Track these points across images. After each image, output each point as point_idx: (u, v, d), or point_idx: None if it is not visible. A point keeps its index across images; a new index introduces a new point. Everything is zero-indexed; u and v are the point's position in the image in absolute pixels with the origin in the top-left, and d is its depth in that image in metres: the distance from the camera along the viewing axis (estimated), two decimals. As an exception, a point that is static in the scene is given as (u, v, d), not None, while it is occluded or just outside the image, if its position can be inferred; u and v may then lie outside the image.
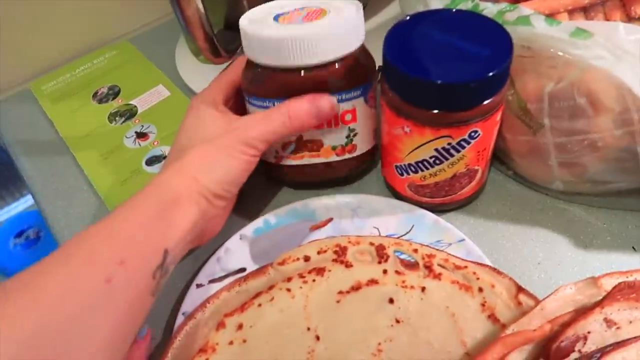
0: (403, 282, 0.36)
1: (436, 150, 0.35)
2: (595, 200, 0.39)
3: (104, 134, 0.53)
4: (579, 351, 0.27)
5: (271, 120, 0.36)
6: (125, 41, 0.64)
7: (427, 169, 0.37)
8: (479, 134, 0.34)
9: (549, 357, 0.27)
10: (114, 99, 0.56)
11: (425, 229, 0.39)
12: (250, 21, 0.37)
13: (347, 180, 0.44)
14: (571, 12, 0.39)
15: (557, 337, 0.27)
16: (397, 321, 0.34)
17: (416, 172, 0.38)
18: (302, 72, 0.36)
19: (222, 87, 0.40)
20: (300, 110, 0.36)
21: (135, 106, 0.55)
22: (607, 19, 0.38)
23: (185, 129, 0.38)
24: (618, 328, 0.28)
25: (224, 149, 0.35)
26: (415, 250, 0.37)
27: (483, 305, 0.34)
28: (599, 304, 0.28)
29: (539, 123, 0.36)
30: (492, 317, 0.33)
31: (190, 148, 0.35)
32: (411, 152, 0.36)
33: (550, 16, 0.39)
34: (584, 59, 0.32)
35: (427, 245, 0.37)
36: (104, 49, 0.63)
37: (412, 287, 0.36)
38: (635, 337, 0.26)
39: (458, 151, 0.35)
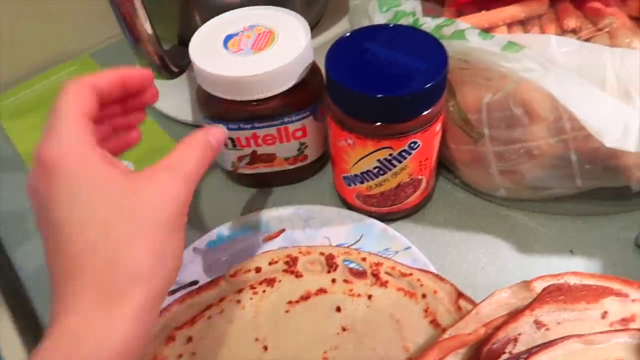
0: (350, 290, 0.37)
1: (379, 161, 0.36)
2: (536, 206, 0.40)
3: (62, 150, 0.52)
4: (510, 352, 0.28)
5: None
6: (86, 56, 0.64)
7: (372, 179, 0.38)
8: (419, 145, 0.35)
9: (482, 360, 0.28)
10: (73, 114, 0.56)
11: (374, 237, 0.40)
12: (200, 48, 0.38)
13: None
14: (510, 26, 0.40)
15: (489, 340, 0.28)
16: (344, 329, 0.35)
17: (362, 182, 0.38)
18: (253, 103, 0.38)
19: (85, 116, 0.25)
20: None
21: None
22: (542, 32, 0.39)
23: (60, 225, 0.23)
24: (547, 329, 0.29)
25: (167, 225, 0.24)
26: (364, 259, 0.38)
27: (426, 311, 0.35)
28: (529, 306, 0.29)
29: (479, 133, 0.37)
30: (434, 322, 0.34)
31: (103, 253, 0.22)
32: (356, 163, 0.37)
33: (490, 30, 0.40)
34: (515, 71, 0.33)
35: (375, 254, 0.38)
36: (64, 65, 0.63)
37: (359, 295, 0.36)
38: (561, 338, 0.27)
39: (400, 162, 0.36)
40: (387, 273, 0.37)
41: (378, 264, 0.37)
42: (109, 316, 0.21)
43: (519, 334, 0.29)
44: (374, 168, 0.37)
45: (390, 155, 0.35)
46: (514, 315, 0.29)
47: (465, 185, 0.43)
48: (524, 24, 0.41)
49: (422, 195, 0.41)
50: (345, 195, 0.42)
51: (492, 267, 0.38)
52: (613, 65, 0.34)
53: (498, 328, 0.29)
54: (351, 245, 0.40)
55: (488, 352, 0.28)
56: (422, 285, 0.35)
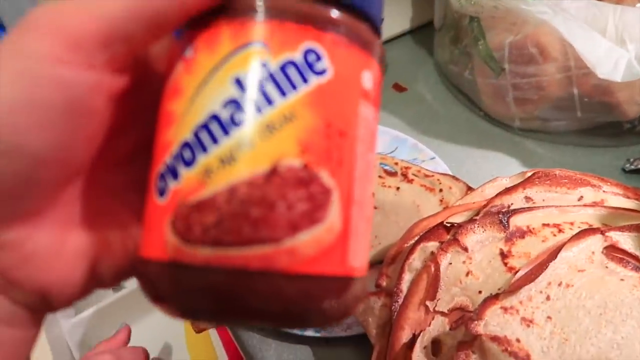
0: (383, 183, 0.46)
1: (237, 82, 0.15)
2: (544, 137, 0.49)
3: None
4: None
5: None
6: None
7: (216, 140, 0.15)
8: (325, 70, 0.16)
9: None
10: None
11: (406, 149, 0.49)
12: None
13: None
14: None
15: (487, 205, 0.37)
16: (375, 207, 0.44)
17: (192, 160, 0.15)
18: None
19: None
20: None
21: None
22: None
23: None
24: (534, 203, 0.37)
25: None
26: (396, 163, 0.47)
27: (441, 200, 0.44)
28: (521, 184, 0.38)
29: (501, 67, 0.46)
30: (447, 209, 0.43)
31: None
32: (195, 98, 0.16)
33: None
34: (532, 13, 0.42)
35: (405, 161, 0.48)
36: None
37: (389, 186, 0.46)
38: (543, 206, 0.36)
39: (282, 92, 0.15)
40: (413, 174, 0.46)
41: (407, 167, 0.47)
42: None
43: (511, 204, 0.37)
44: (225, 103, 0.15)
45: (263, 65, 0.15)
46: (509, 189, 0.38)
47: (487, 116, 0.52)
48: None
49: (337, 245, 0.16)
50: (150, 235, 0.17)
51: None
52: (614, 18, 0.42)
53: (494, 197, 0.38)
54: (387, 154, 0.49)
55: (485, 213, 0.37)
56: (440, 183, 0.45)
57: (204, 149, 0.15)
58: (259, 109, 0.15)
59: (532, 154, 0.48)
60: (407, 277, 0.33)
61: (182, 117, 0.16)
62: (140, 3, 0.15)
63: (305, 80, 0.15)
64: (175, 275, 0.15)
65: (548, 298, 0.28)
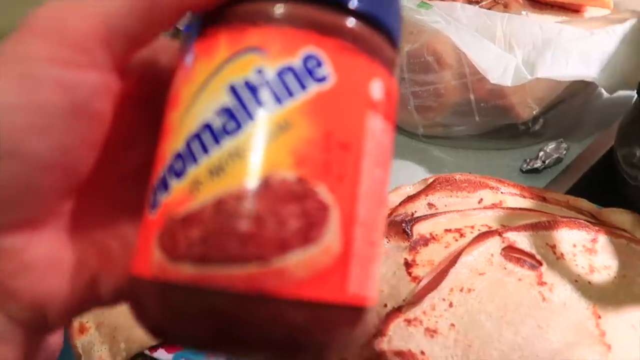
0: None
1: (232, 90, 0.14)
2: (447, 142, 0.50)
3: None
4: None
5: None
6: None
7: (207, 150, 0.14)
8: (326, 77, 0.14)
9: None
10: None
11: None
12: None
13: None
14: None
15: (390, 214, 0.37)
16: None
17: (182, 171, 0.14)
18: None
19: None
20: None
21: None
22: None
23: None
24: (436, 209, 0.38)
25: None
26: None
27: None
28: (424, 191, 0.38)
29: (401, 77, 0.47)
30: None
31: None
32: (193, 104, 0.15)
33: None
34: (425, 22, 0.43)
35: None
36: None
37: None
38: (445, 212, 0.37)
39: (278, 100, 0.14)
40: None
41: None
42: None
43: (415, 212, 0.38)
44: (220, 111, 0.14)
45: (258, 71, 0.14)
46: (411, 197, 0.38)
47: (392, 126, 0.52)
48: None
49: (335, 267, 0.14)
50: (139, 258, 0.15)
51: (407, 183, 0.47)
52: (502, 25, 0.44)
53: (397, 207, 0.38)
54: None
55: (389, 222, 0.37)
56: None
57: (194, 159, 0.14)
58: (251, 117, 0.14)
59: (436, 160, 0.49)
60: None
61: (178, 128, 0.15)
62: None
63: (303, 87, 0.14)
64: (159, 295, 0.14)
65: (451, 305, 0.28)
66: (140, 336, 0.32)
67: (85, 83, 0.14)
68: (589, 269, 0.30)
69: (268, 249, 0.13)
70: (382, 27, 0.16)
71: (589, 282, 0.29)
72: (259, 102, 0.14)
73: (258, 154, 0.14)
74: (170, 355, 0.30)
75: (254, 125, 0.14)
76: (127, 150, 0.18)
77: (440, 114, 0.47)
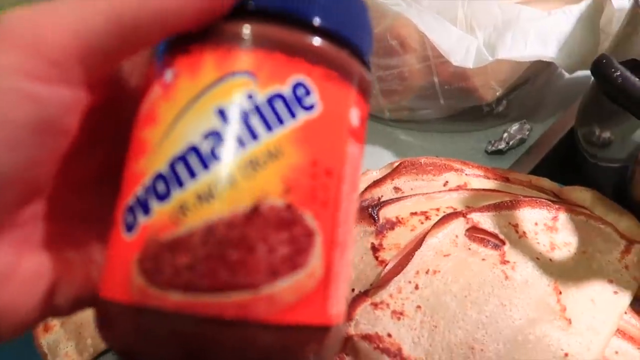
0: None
1: (220, 113, 0.14)
2: (413, 126, 0.50)
3: None
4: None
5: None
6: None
7: (194, 174, 0.14)
8: (314, 105, 0.15)
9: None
10: None
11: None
12: None
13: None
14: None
15: (358, 200, 0.37)
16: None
17: (167, 193, 0.14)
18: None
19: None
20: None
21: None
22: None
23: None
24: (403, 193, 0.38)
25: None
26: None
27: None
28: (389, 175, 0.38)
29: (365, 61, 0.47)
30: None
31: None
32: (174, 125, 0.14)
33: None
34: (386, 5, 0.42)
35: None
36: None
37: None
38: (410, 195, 0.37)
39: (267, 126, 0.14)
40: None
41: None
42: None
43: (381, 196, 0.38)
44: (206, 135, 0.14)
45: (249, 97, 0.14)
46: (377, 182, 0.38)
47: (358, 111, 0.52)
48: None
49: (316, 296, 0.15)
50: (114, 275, 0.15)
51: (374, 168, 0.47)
52: (463, 7, 0.44)
53: (364, 192, 0.38)
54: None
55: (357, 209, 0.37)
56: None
57: (180, 183, 0.14)
58: (242, 143, 0.14)
59: (403, 143, 0.49)
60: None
61: (157, 147, 0.14)
62: (121, 17, 0.14)
63: (293, 115, 0.14)
64: (139, 320, 0.14)
65: (417, 287, 0.29)
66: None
67: (56, 98, 0.14)
68: (550, 246, 0.31)
69: (258, 276, 0.13)
70: (363, 56, 0.16)
71: (550, 260, 0.30)
72: (249, 129, 0.14)
73: (248, 181, 0.14)
74: None
75: (244, 151, 0.14)
76: (84, 159, 0.17)
77: (405, 97, 0.47)
